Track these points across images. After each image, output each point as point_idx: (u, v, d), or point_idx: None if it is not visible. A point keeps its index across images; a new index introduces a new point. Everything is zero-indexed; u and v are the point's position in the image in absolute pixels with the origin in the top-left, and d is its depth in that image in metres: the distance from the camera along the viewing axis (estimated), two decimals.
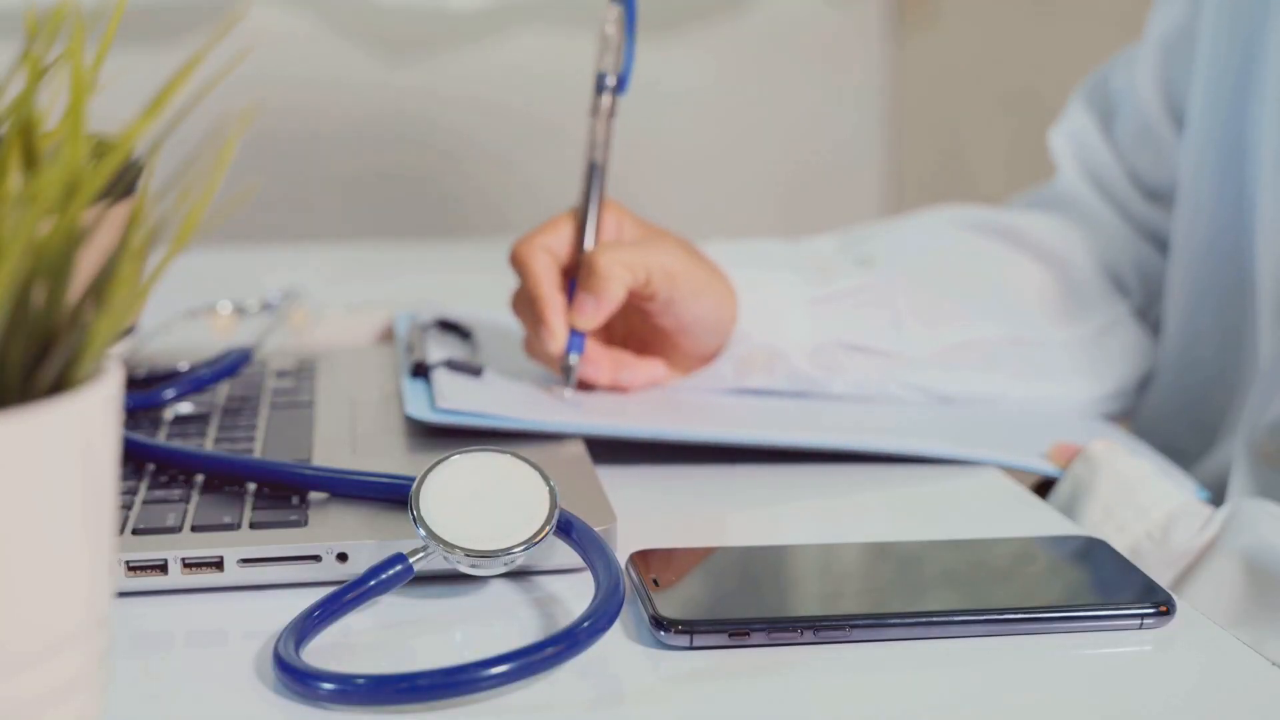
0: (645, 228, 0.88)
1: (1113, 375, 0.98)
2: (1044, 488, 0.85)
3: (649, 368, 0.88)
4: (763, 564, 0.66)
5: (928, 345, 0.92)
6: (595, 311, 0.83)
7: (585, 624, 0.57)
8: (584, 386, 0.87)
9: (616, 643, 0.60)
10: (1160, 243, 1.03)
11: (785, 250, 0.96)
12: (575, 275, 0.85)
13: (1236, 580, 0.76)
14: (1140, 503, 0.80)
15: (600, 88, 0.87)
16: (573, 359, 0.84)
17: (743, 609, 0.61)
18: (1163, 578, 0.77)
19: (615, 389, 0.87)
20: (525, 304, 0.85)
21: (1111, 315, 1.00)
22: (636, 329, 0.89)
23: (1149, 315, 1.04)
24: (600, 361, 0.86)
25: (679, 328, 0.86)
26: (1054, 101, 1.17)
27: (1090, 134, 1.05)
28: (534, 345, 0.86)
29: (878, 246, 0.98)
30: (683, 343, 0.87)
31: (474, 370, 0.85)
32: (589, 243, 0.86)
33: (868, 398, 0.91)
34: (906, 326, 0.92)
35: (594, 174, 0.86)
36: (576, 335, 0.84)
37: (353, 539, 0.65)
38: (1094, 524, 0.79)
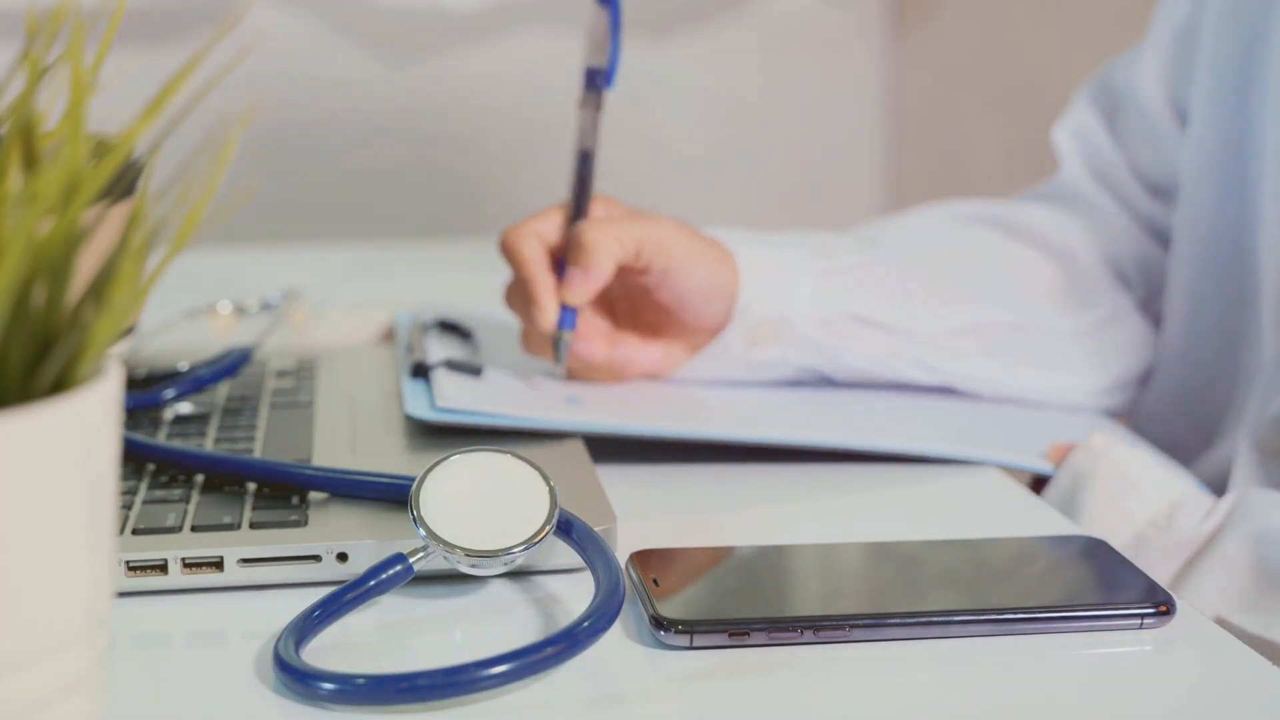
0: (635, 214, 0.88)
1: (1115, 366, 0.98)
2: (1040, 483, 0.85)
3: (647, 350, 0.87)
4: (763, 564, 0.66)
5: (936, 324, 0.92)
6: (585, 285, 0.83)
7: (585, 624, 0.57)
8: (585, 374, 0.86)
9: (616, 643, 0.60)
10: (1163, 238, 1.03)
11: (789, 236, 0.96)
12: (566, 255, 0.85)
13: (1242, 567, 0.75)
14: (1144, 491, 0.79)
15: (588, 83, 0.87)
16: (565, 335, 0.84)
17: (743, 609, 0.61)
18: (1168, 565, 0.77)
19: (613, 369, 0.87)
20: (518, 292, 0.85)
21: (1114, 307, 1.00)
22: (639, 309, 0.88)
23: (1149, 310, 1.04)
24: (594, 338, 0.86)
25: (678, 300, 0.86)
26: (1054, 101, 1.17)
27: (1094, 130, 1.05)
28: (531, 339, 0.86)
29: (880, 238, 0.97)
30: (685, 317, 0.87)
31: (474, 370, 0.85)
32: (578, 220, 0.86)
33: (875, 374, 0.90)
34: (916, 302, 0.91)
35: (584, 161, 0.86)
36: (568, 312, 0.84)
37: (353, 539, 0.65)
38: (1096, 514, 0.79)
